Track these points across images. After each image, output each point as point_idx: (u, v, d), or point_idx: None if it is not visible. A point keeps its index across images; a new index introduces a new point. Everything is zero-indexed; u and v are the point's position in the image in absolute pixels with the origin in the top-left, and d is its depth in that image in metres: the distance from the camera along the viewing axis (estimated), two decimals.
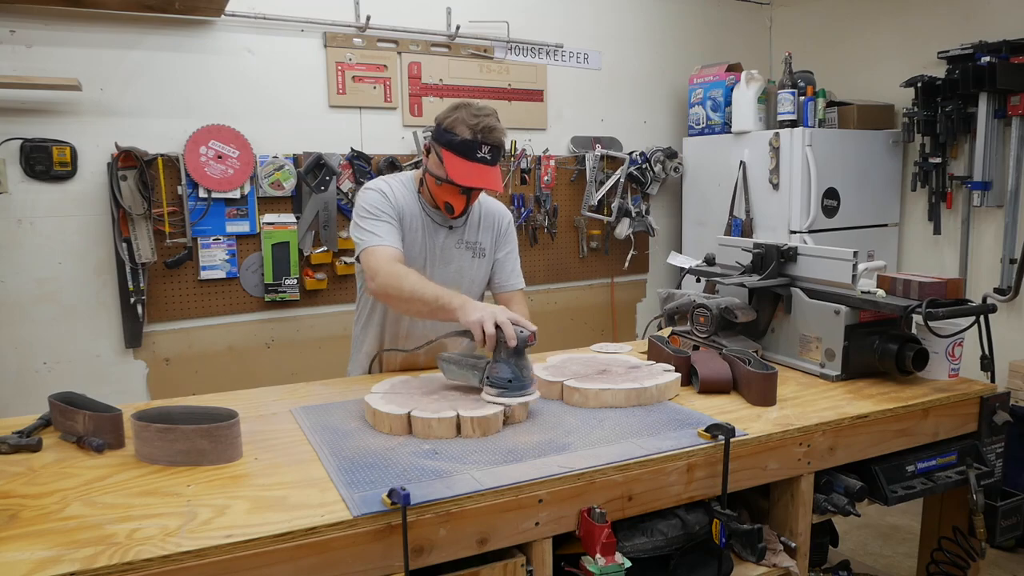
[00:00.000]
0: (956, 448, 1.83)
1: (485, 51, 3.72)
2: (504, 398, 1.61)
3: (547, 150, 3.90)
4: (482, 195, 2.15)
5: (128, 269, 2.98)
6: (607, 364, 1.95)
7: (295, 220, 3.28)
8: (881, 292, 1.91)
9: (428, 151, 1.99)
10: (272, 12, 3.21)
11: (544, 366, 1.94)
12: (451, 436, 1.53)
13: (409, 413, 1.55)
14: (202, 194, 3.12)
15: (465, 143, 1.89)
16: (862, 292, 1.91)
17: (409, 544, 1.19)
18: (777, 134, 3.65)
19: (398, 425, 1.55)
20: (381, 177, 2.11)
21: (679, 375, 1.84)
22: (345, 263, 3.38)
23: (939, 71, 3.57)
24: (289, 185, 3.26)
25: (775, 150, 3.66)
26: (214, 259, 3.19)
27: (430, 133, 2.01)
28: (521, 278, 2.24)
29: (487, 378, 1.65)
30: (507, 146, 1.89)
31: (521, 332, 1.64)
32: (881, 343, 1.87)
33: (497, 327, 1.64)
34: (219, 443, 1.41)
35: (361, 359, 2.20)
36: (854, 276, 1.92)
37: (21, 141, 2.84)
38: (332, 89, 3.38)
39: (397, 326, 2.13)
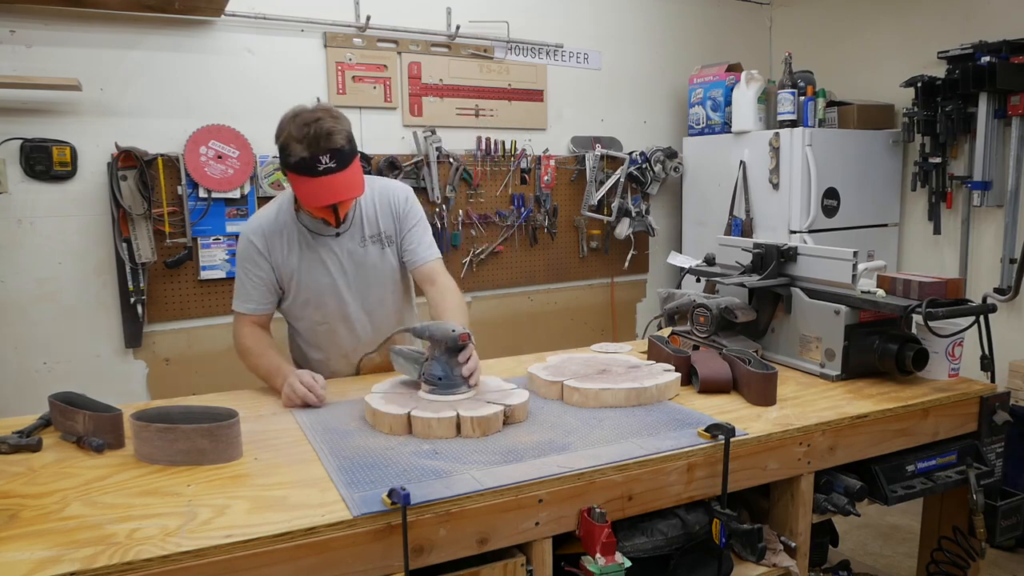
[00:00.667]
0: (956, 448, 1.83)
1: (485, 51, 3.72)
2: (435, 395, 1.67)
3: (547, 150, 3.90)
4: (374, 179, 2.09)
5: (128, 269, 2.98)
6: (607, 364, 1.95)
7: None
8: (881, 292, 1.91)
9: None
10: (272, 12, 3.21)
11: (544, 366, 1.94)
12: (451, 436, 1.53)
13: (409, 413, 1.55)
14: (202, 194, 3.12)
15: (302, 162, 1.74)
16: (862, 292, 1.91)
17: (409, 544, 1.19)
18: (777, 134, 3.65)
19: (398, 425, 1.55)
20: (255, 215, 2.05)
21: (679, 375, 1.85)
22: None
23: (939, 71, 3.57)
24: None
25: (775, 150, 3.66)
26: (214, 259, 3.19)
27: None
28: (434, 248, 2.09)
29: (423, 374, 1.71)
30: (354, 137, 1.84)
31: (453, 331, 1.67)
32: (881, 343, 1.87)
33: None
34: (220, 442, 1.42)
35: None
36: (854, 276, 1.92)
37: (21, 141, 2.84)
38: (332, 89, 3.38)
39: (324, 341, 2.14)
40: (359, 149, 3.34)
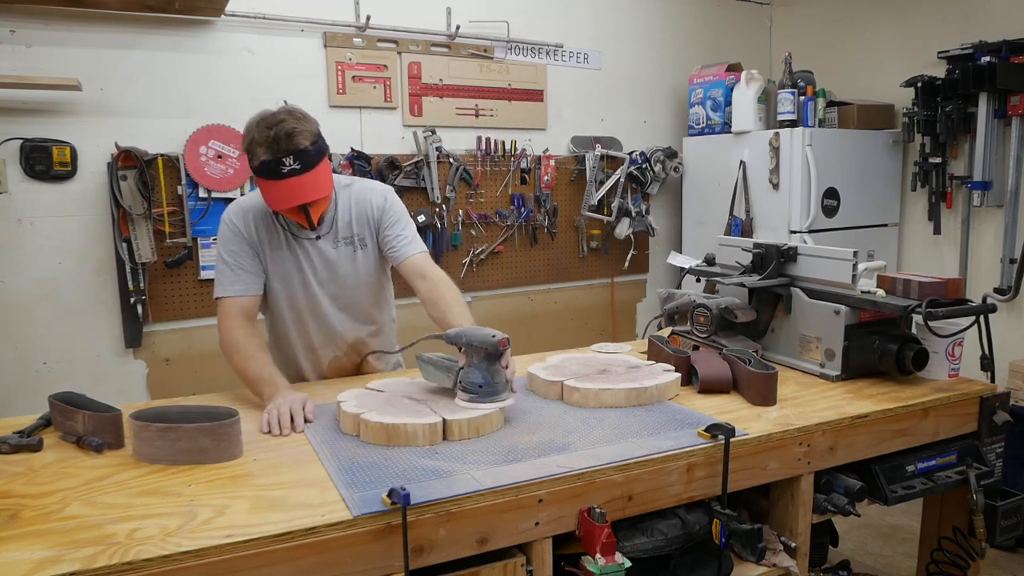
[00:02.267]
0: (956, 448, 1.83)
1: (485, 51, 3.72)
2: (476, 403, 1.60)
3: (547, 150, 3.90)
4: (352, 181, 2.05)
5: (128, 269, 2.98)
6: (607, 364, 1.95)
7: None
8: (881, 292, 1.91)
9: None
10: (272, 12, 3.21)
11: (544, 366, 1.94)
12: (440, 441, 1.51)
13: (397, 422, 1.50)
14: (202, 194, 3.12)
15: (266, 165, 1.72)
16: (862, 292, 1.91)
17: (409, 544, 1.19)
18: (777, 134, 3.65)
19: (383, 435, 1.50)
20: (239, 199, 2.01)
21: (679, 375, 1.84)
22: None
23: (939, 71, 3.57)
24: None
25: (775, 150, 3.66)
26: (214, 259, 3.18)
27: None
28: (418, 243, 2.04)
29: (460, 382, 1.64)
30: (322, 136, 1.82)
31: (493, 337, 1.61)
32: (881, 343, 1.87)
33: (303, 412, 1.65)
34: (221, 441, 1.42)
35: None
36: (854, 276, 1.92)
37: (21, 141, 2.84)
38: (332, 89, 3.38)
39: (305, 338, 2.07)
40: (359, 149, 3.38)
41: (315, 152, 1.77)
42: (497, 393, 1.61)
